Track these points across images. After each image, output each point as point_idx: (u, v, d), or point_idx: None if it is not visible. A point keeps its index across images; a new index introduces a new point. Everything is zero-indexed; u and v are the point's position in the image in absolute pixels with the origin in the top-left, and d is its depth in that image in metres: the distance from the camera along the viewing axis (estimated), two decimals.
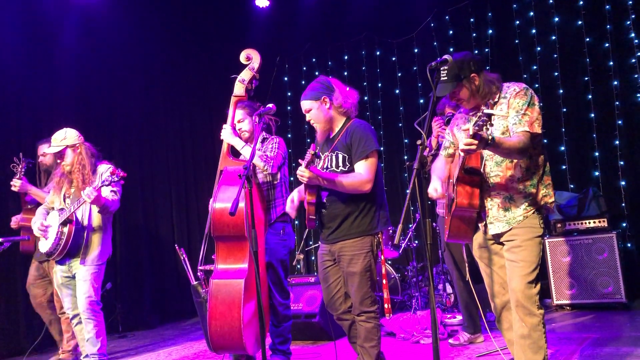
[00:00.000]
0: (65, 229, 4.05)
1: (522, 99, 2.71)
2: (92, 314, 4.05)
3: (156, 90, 7.40)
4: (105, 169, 4.16)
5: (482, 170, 2.79)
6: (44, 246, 4.15)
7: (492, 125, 2.44)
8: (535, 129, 2.66)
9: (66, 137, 4.19)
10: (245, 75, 3.97)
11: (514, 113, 2.70)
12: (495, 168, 2.79)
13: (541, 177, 2.80)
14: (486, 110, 2.40)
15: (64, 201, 4.19)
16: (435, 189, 2.92)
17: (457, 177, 2.75)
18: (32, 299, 4.99)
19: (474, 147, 2.40)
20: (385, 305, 3.26)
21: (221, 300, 3.51)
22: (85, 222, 4.14)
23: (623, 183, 5.72)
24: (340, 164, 3.25)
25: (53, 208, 4.26)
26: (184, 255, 4.18)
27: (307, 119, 3.38)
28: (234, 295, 3.49)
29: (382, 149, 7.36)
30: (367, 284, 3.20)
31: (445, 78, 2.75)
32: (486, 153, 2.78)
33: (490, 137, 2.44)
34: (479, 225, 2.90)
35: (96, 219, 4.18)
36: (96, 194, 3.87)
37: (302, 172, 3.05)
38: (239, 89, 3.96)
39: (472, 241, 2.99)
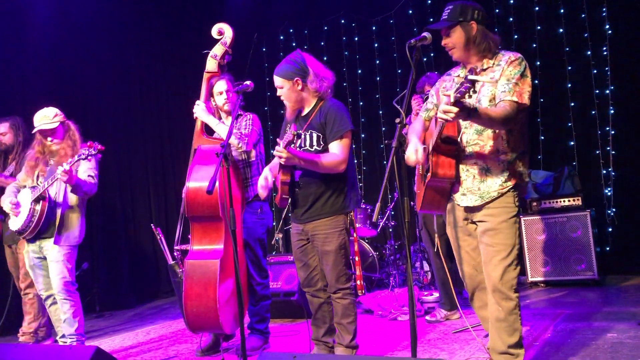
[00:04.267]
0: (38, 207, 3.94)
1: (516, 68, 2.63)
2: (67, 294, 3.97)
3: (131, 67, 7.26)
4: (85, 148, 4.07)
5: (459, 139, 2.72)
6: (15, 224, 4.04)
7: (475, 92, 2.32)
8: (525, 100, 2.58)
9: (57, 113, 4.07)
10: (218, 50, 3.89)
11: (504, 81, 2.61)
12: (475, 137, 2.71)
13: (521, 155, 2.72)
14: (470, 76, 2.29)
15: (37, 180, 4.09)
16: (416, 149, 2.71)
17: (433, 146, 2.67)
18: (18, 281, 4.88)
19: (452, 114, 2.30)
20: (358, 282, 3.29)
21: (196, 280, 3.49)
22: (60, 200, 4.02)
23: (602, 161, 5.79)
24: (315, 143, 3.24)
25: (25, 186, 4.16)
26: (160, 235, 4.13)
27: (278, 94, 3.34)
28: (209, 276, 3.48)
29: (360, 128, 7.36)
30: (341, 261, 3.23)
31: (445, 17, 2.70)
32: (465, 121, 2.67)
33: (472, 107, 2.35)
34: (452, 196, 2.84)
35: (73, 198, 4.06)
36: (68, 172, 3.73)
37: (280, 152, 3.02)
38: (211, 64, 3.89)
39: (445, 212, 2.93)
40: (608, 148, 5.75)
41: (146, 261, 7.21)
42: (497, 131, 2.66)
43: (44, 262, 4.06)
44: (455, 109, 2.29)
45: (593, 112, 5.84)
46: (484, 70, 2.71)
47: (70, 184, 3.87)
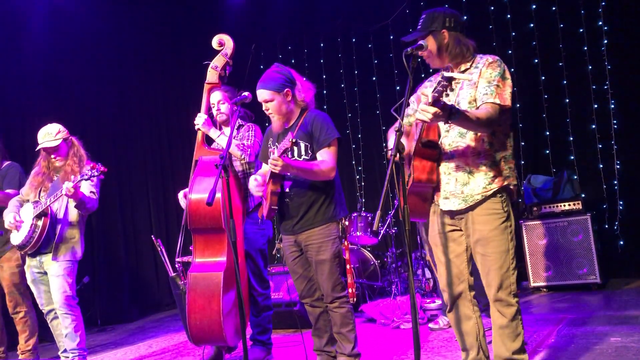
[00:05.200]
0: (40, 222, 3.96)
1: (495, 70, 2.61)
2: (69, 308, 3.98)
3: (129, 79, 7.27)
4: (88, 169, 4.11)
5: (440, 142, 2.69)
6: (16, 238, 4.05)
7: (452, 90, 2.30)
8: (507, 102, 2.57)
9: (60, 130, 4.10)
10: (218, 61, 3.90)
11: (485, 83, 2.59)
12: (458, 139, 2.67)
13: (505, 158, 2.68)
14: (446, 74, 2.25)
15: (39, 195, 4.11)
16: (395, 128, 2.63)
17: (414, 150, 2.64)
18: None
19: (429, 115, 2.28)
20: (350, 290, 3.28)
21: (200, 293, 3.48)
22: (61, 216, 4.05)
23: (601, 166, 5.80)
24: (303, 152, 3.25)
25: (28, 200, 4.17)
26: (161, 247, 4.11)
27: (265, 108, 3.28)
28: (212, 289, 3.47)
29: (359, 136, 7.37)
30: (337, 270, 3.22)
31: (419, 27, 2.71)
32: (446, 125, 2.64)
33: (453, 107, 2.32)
34: (435, 199, 2.77)
35: (73, 215, 4.09)
36: (74, 190, 3.78)
37: (276, 161, 2.98)
38: (211, 76, 3.90)
39: (428, 219, 2.86)
40: (612, 153, 5.75)
41: (147, 274, 7.20)
42: (478, 134, 2.63)
43: (45, 277, 4.06)
44: (433, 109, 2.27)
45: (592, 118, 5.85)
46: (462, 72, 2.69)
47: (76, 200, 3.91)
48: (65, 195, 3.81)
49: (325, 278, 3.22)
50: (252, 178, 3.28)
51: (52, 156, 4.10)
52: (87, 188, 4.02)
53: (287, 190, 3.26)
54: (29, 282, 4.14)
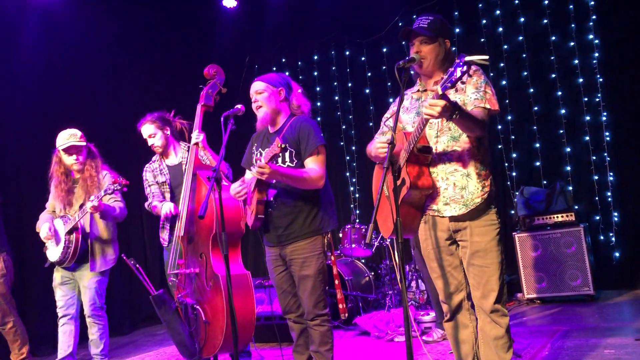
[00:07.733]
0: (72, 237, 4.05)
1: (480, 78, 2.65)
2: (97, 318, 4.17)
3: (121, 92, 7.27)
4: (104, 175, 4.18)
5: (435, 149, 2.69)
6: (53, 255, 4.12)
7: (470, 76, 2.28)
8: (496, 107, 2.62)
9: (82, 134, 4.19)
10: (212, 87, 4.00)
11: (473, 89, 2.63)
12: (452, 143, 2.67)
13: (489, 164, 2.72)
14: (467, 57, 2.19)
15: (65, 209, 4.17)
16: (387, 140, 2.49)
17: (407, 157, 2.61)
18: None
19: (438, 108, 2.28)
20: (340, 305, 3.22)
21: (239, 292, 3.49)
22: (89, 230, 4.13)
23: (596, 177, 5.82)
24: (287, 159, 3.13)
25: (54, 212, 4.25)
26: (137, 265, 3.95)
27: (253, 100, 3.20)
28: (247, 289, 3.54)
29: (353, 148, 7.40)
30: (320, 286, 3.10)
31: (425, 26, 2.67)
32: (439, 127, 2.66)
33: (457, 102, 2.33)
34: (429, 208, 2.75)
35: (101, 225, 4.18)
36: (97, 204, 3.86)
37: (262, 169, 2.85)
38: (205, 98, 3.97)
39: (417, 232, 2.84)
40: (605, 165, 5.78)
41: (139, 286, 7.11)
42: (470, 137, 2.65)
43: (71, 281, 4.17)
44: (442, 102, 2.27)
45: (585, 130, 5.90)
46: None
47: (100, 212, 4.01)
48: (91, 212, 3.92)
49: (308, 294, 3.09)
50: (234, 185, 3.15)
51: (74, 156, 4.13)
52: (111, 199, 4.13)
53: (272, 199, 3.12)
54: (54, 284, 4.21)
